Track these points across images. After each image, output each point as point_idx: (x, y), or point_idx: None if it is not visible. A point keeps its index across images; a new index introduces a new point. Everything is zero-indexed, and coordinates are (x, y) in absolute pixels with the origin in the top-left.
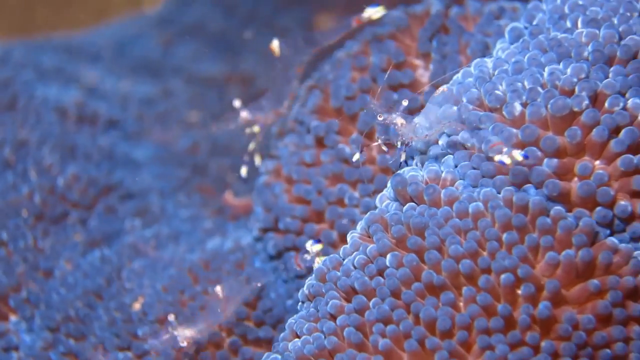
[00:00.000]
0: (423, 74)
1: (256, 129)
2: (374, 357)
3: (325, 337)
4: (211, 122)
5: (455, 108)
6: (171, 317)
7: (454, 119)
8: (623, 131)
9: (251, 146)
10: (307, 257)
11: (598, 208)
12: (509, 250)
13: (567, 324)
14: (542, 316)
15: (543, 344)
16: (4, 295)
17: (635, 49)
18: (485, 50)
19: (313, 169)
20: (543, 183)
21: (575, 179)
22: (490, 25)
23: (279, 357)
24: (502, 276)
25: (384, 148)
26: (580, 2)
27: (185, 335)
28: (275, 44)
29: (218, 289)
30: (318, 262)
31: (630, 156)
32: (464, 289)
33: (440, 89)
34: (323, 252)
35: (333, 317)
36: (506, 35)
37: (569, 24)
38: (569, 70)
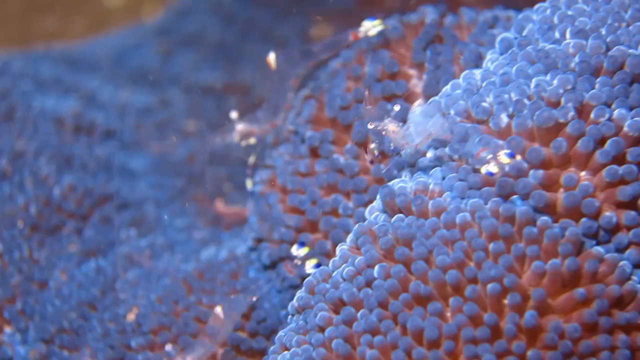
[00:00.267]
0: (417, 84)
1: (252, 140)
2: None
3: (313, 350)
4: (209, 131)
5: (443, 119)
6: (168, 347)
7: (443, 130)
8: (608, 142)
9: (252, 159)
10: (298, 262)
11: (583, 219)
12: (495, 260)
13: (553, 333)
14: (529, 325)
15: (529, 353)
16: None
17: (621, 60)
18: (479, 60)
19: (307, 179)
20: (529, 194)
21: (561, 190)
22: (484, 35)
23: None
24: (489, 286)
25: (378, 157)
26: (570, 13)
27: None
28: (271, 57)
29: (219, 310)
30: (309, 266)
31: (616, 167)
32: (451, 299)
33: (430, 100)
34: (316, 266)
35: (321, 329)
36: (496, 46)
37: (557, 35)
38: (555, 82)
